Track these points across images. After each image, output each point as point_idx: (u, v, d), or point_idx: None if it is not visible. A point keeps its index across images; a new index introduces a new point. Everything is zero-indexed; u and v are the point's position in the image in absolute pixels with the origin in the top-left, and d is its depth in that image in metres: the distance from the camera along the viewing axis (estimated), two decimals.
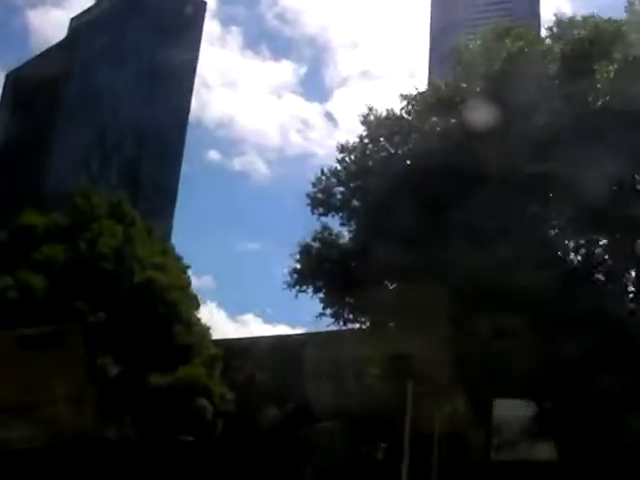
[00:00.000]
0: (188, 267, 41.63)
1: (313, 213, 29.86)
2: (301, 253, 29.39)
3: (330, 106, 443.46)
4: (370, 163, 29.11)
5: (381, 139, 29.11)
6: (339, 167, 29.79)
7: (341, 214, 30.12)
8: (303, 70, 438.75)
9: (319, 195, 29.80)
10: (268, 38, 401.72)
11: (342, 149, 29.74)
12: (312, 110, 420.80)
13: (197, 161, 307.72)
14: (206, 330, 41.09)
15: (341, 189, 29.90)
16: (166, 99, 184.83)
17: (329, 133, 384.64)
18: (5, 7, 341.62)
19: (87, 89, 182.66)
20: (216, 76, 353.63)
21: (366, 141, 29.29)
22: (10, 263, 38.04)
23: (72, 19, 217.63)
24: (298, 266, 29.19)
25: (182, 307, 39.58)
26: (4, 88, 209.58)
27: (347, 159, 29.70)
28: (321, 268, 29.17)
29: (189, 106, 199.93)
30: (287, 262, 29.15)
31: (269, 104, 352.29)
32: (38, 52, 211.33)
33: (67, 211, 42.54)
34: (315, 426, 36.51)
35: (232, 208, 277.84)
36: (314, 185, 29.78)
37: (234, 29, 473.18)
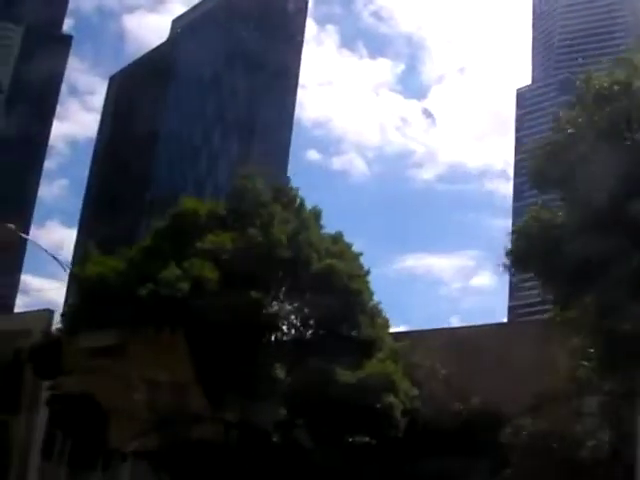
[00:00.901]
0: (360, 254, 37.74)
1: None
2: (518, 233, 25.78)
3: (427, 103, 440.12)
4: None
5: None
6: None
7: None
8: (400, 68, 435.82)
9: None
10: (364, 36, 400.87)
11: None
12: (410, 107, 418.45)
13: (298, 160, 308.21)
14: (387, 321, 37.30)
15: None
16: (272, 97, 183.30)
17: (427, 130, 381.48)
18: (102, 13, 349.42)
19: (191, 89, 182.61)
20: (313, 75, 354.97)
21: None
22: (175, 252, 34.73)
23: (173, 21, 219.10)
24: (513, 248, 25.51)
25: (365, 297, 35.76)
26: (108, 92, 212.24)
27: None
28: (542, 250, 24.94)
29: (294, 104, 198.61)
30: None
31: (367, 102, 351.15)
32: (137, 56, 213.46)
33: (229, 196, 39.11)
34: (511, 423, 32.14)
35: (334, 206, 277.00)
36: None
37: (330, 28, 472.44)
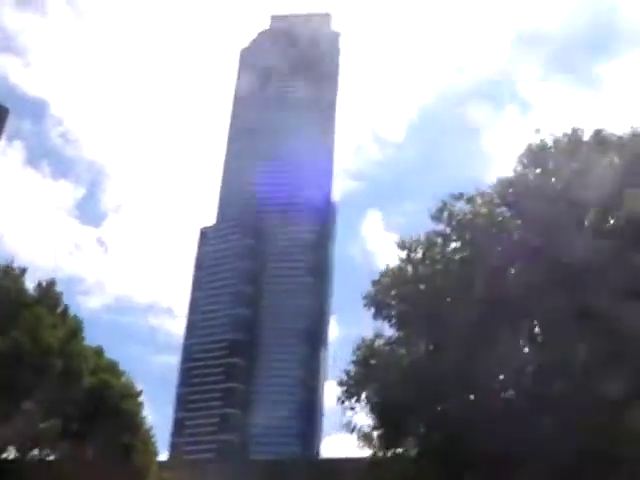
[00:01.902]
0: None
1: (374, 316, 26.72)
2: (355, 363, 26.12)
3: (102, 231, 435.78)
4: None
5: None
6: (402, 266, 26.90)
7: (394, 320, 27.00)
8: (81, 192, 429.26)
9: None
10: (49, 156, 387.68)
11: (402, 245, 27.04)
12: (85, 234, 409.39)
13: None
14: (156, 448, 34.94)
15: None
16: None
17: (99, 258, 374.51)
18: None
19: None
20: None
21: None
22: None
23: None
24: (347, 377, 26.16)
25: (139, 419, 33.41)
26: None
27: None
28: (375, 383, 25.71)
29: None
30: None
31: (43, 223, 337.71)
32: None
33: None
34: None
35: None
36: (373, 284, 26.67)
37: (17, 143, 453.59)
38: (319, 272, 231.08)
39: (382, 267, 26.91)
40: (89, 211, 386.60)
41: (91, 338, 37.31)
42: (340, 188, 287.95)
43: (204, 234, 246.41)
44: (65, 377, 31.25)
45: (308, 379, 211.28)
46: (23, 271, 35.84)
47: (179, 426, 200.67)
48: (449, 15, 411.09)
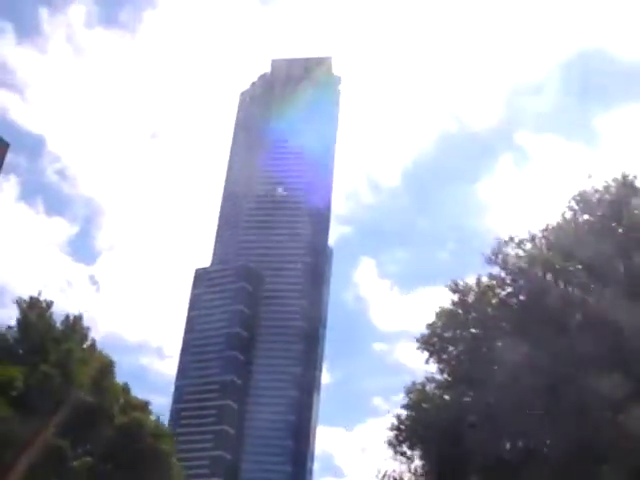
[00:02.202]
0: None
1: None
2: (407, 407, 25.65)
3: (95, 269, 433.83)
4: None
5: None
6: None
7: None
8: (75, 229, 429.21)
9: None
10: (45, 192, 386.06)
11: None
12: (77, 271, 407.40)
13: None
14: None
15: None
16: None
17: (91, 296, 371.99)
18: None
19: None
20: None
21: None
22: None
23: None
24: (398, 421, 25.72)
25: (172, 460, 32.53)
26: None
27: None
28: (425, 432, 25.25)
29: None
30: None
31: (35, 259, 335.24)
32: None
33: (19, 326, 34.32)
34: None
35: None
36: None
37: (12, 178, 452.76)
38: (313, 317, 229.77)
39: (435, 310, 26.53)
40: (82, 248, 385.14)
41: None
42: (334, 232, 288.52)
43: (199, 275, 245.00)
44: (97, 414, 30.47)
45: (299, 423, 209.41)
46: (50, 304, 35.33)
47: None
48: (448, 64, 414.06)
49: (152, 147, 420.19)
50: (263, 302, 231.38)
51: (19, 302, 34.16)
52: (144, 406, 33.44)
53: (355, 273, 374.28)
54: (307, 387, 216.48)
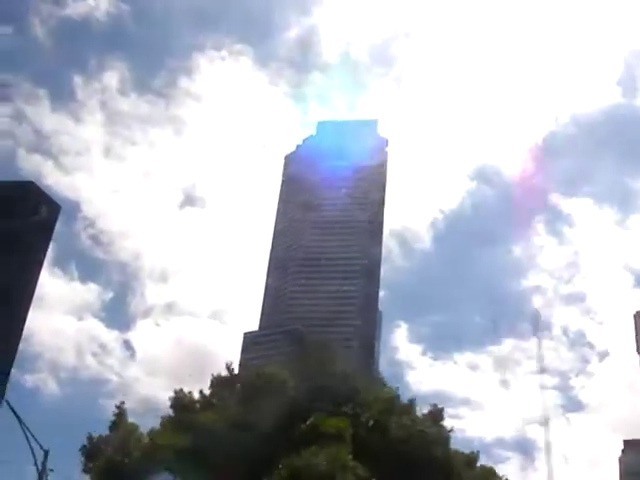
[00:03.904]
0: None
1: None
2: None
3: (131, 335, 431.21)
4: None
5: None
6: None
7: None
8: (109, 295, 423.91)
9: None
10: (78, 258, 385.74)
11: None
12: (111, 337, 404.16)
13: None
14: None
15: None
16: None
17: (125, 362, 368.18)
18: None
19: None
20: None
21: None
22: None
23: None
24: None
25: None
26: None
27: None
28: None
29: None
30: None
31: (67, 324, 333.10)
32: None
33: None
34: None
35: None
36: None
37: None
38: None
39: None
40: (117, 314, 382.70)
41: None
42: None
43: (247, 339, 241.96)
44: None
45: None
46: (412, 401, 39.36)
47: None
48: (486, 120, 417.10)
49: (191, 213, 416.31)
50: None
51: None
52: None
53: (391, 337, 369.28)
54: None
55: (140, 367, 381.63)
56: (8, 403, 37.06)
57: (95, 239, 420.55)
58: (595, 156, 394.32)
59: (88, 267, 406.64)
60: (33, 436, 35.31)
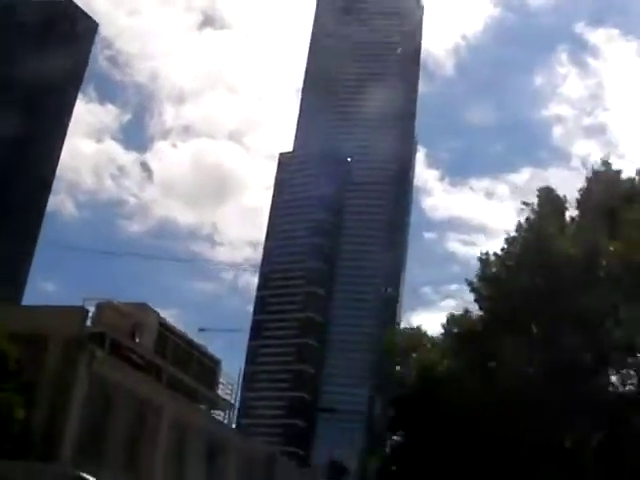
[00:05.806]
0: None
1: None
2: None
3: (148, 156, 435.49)
4: None
5: None
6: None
7: None
8: (126, 117, 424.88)
9: None
10: (96, 80, 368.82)
11: None
12: (129, 159, 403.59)
13: None
14: None
15: None
16: None
17: (143, 183, 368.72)
18: None
19: None
20: None
21: None
22: None
23: None
24: None
25: None
26: None
27: None
28: None
29: None
30: None
31: (85, 145, 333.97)
32: None
33: None
34: None
35: None
36: None
37: None
38: (398, 208, 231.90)
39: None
40: (134, 136, 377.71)
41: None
42: None
43: (282, 160, 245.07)
44: None
45: None
46: None
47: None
48: None
49: (211, 34, 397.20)
50: (349, 188, 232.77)
51: None
52: None
53: None
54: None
55: (157, 189, 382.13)
56: None
57: (112, 60, 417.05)
58: None
59: (106, 89, 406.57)
60: None
